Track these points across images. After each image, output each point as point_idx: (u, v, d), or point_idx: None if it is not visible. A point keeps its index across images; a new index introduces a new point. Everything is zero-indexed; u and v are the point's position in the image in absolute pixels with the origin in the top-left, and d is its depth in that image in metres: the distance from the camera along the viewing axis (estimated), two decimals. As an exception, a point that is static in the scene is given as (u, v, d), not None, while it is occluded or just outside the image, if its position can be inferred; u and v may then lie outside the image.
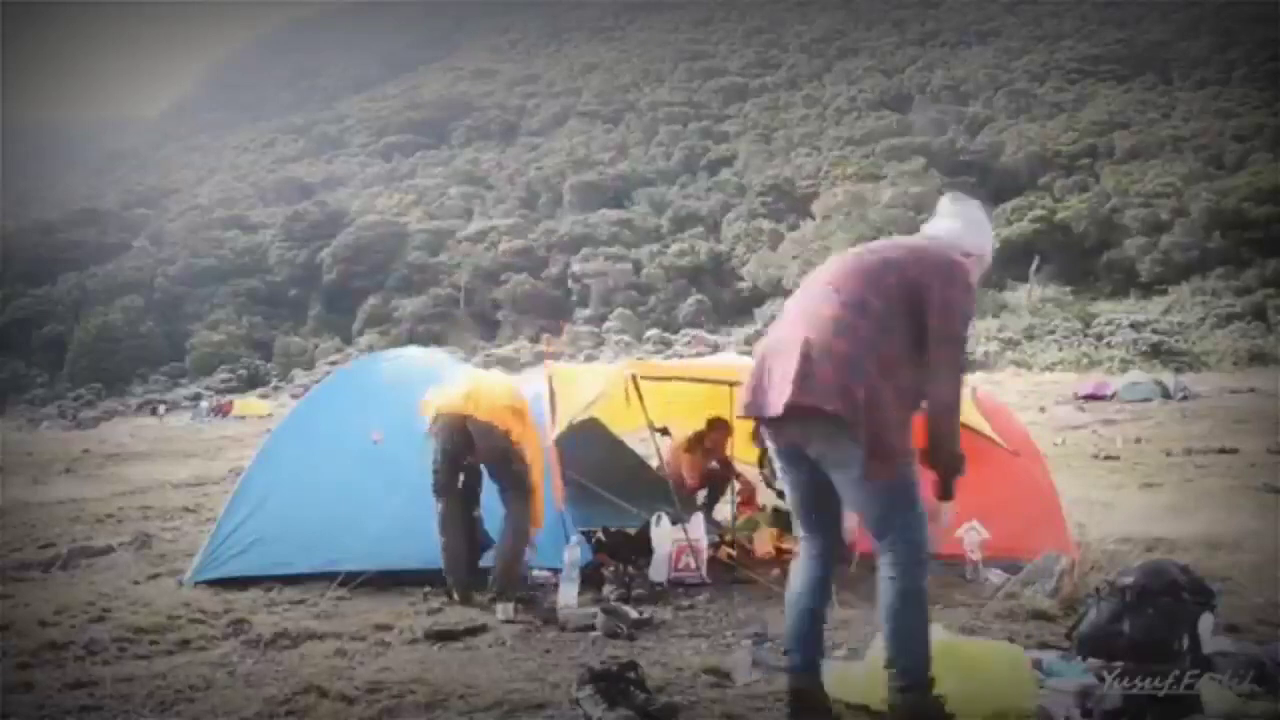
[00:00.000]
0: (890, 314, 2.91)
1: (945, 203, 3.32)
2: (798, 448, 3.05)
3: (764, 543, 6.16)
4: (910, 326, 2.91)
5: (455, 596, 4.72)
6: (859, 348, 2.88)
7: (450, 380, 5.09)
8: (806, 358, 2.92)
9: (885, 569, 2.92)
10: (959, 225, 3.22)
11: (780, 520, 6.33)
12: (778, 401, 2.96)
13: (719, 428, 7.01)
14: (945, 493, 2.96)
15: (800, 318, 3.05)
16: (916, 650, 2.88)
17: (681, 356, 42.59)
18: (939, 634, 3.35)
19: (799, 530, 3.23)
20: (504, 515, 4.86)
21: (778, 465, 3.22)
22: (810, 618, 3.09)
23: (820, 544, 3.14)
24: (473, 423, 4.86)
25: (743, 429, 6.75)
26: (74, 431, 37.90)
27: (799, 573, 3.15)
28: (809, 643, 3.08)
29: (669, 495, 6.03)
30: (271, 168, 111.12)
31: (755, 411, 3.09)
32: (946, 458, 2.90)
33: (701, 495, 7.23)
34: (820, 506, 3.10)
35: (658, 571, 5.24)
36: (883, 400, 2.84)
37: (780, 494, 6.69)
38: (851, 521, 3.27)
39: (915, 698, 2.87)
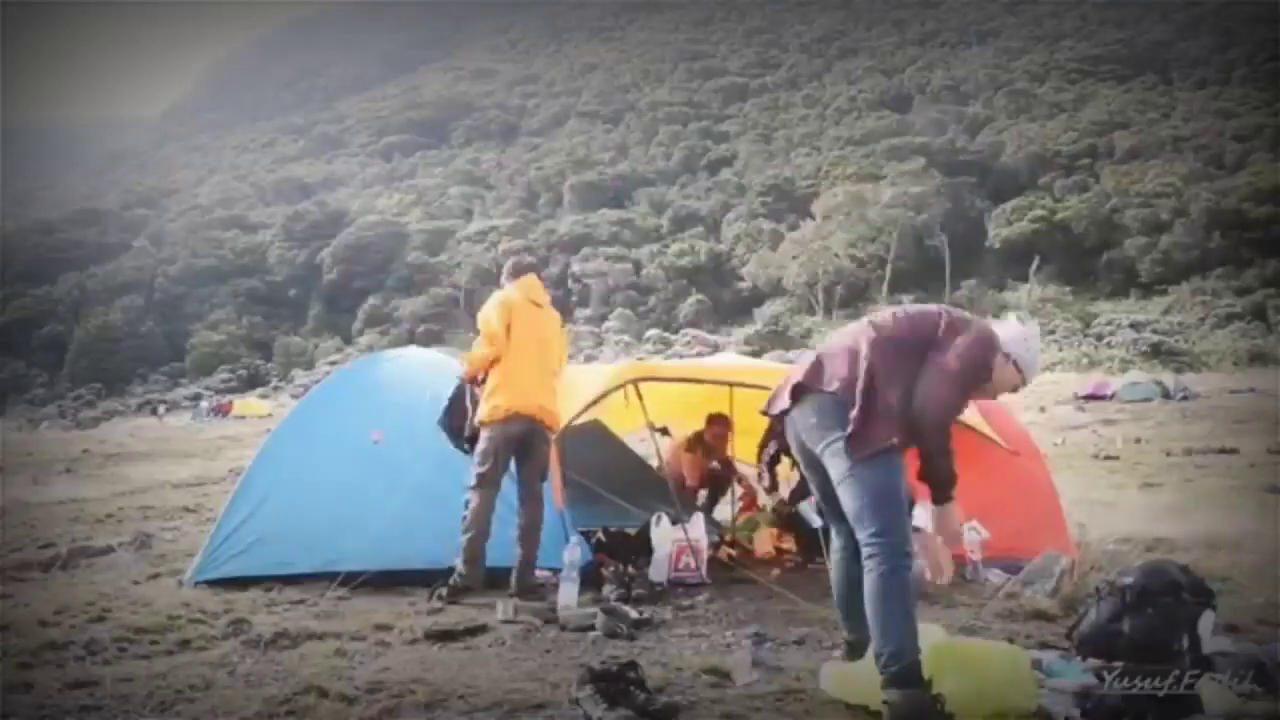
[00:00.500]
0: (915, 345, 3.16)
1: (1016, 319, 3.50)
2: (802, 443, 3.29)
3: (764, 543, 6.15)
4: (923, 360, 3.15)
5: (462, 583, 4.74)
6: (875, 356, 3.13)
7: (520, 377, 5.01)
8: (820, 357, 3.29)
9: (868, 559, 3.05)
10: (1015, 330, 3.34)
11: (780, 520, 6.32)
12: (785, 396, 3.30)
13: (718, 423, 7.01)
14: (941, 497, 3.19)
15: (829, 342, 3.39)
16: (900, 638, 2.96)
17: (681, 356, 42.63)
18: (939, 634, 3.35)
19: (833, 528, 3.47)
20: (525, 514, 4.91)
21: (805, 471, 3.47)
22: (853, 601, 3.26)
23: (847, 536, 3.34)
24: (542, 429, 5.02)
25: (742, 427, 6.76)
26: (74, 431, 37.93)
27: (835, 568, 3.48)
28: (862, 620, 3.20)
29: (669, 495, 6.03)
30: (271, 168, 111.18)
31: (768, 409, 3.41)
32: (938, 474, 3.13)
33: (702, 495, 7.23)
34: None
35: (658, 571, 5.24)
36: (878, 390, 3.08)
37: (774, 495, 6.71)
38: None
39: (906, 692, 2.91)
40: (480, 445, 4.94)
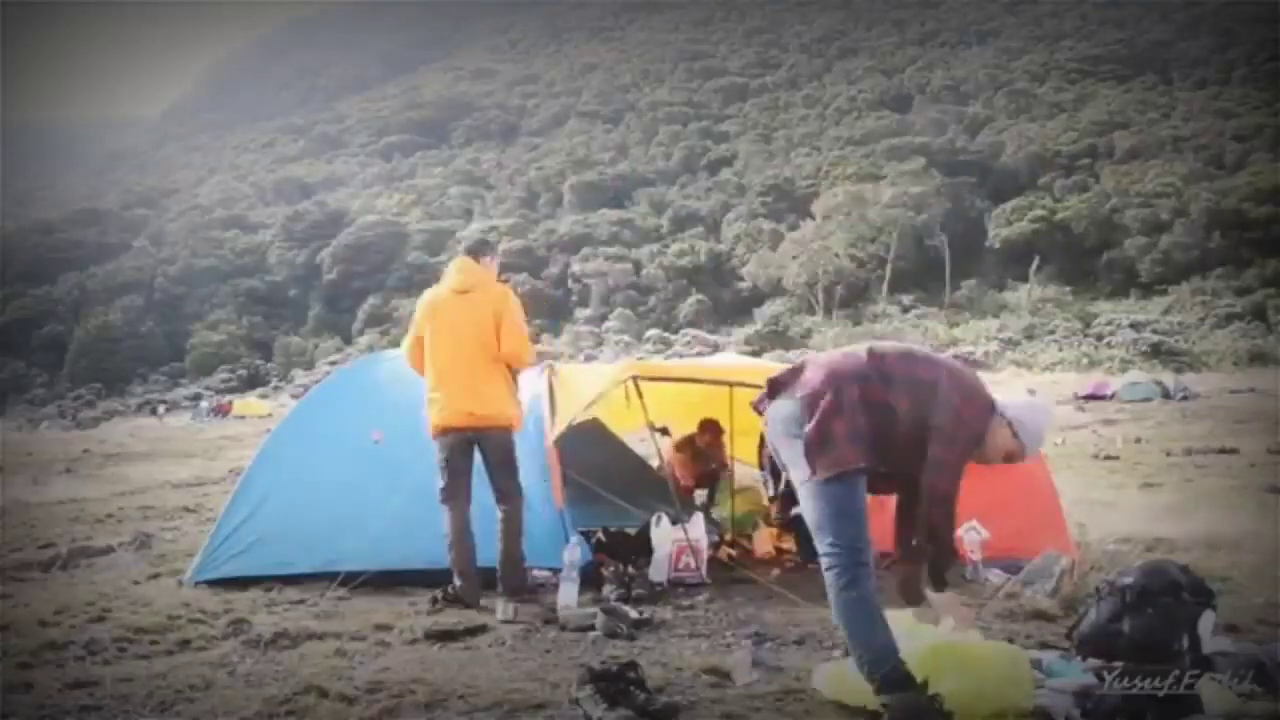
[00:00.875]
0: (907, 389, 3.09)
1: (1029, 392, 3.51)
2: (772, 441, 3.29)
3: (764, 543, 6.15)
4: (914, 414, 3.07)
5: (458, 594, 4.71)
6: (855, 380, 3.10)
7: (442, 387, 4.81)
8: (806, 362, 3.31)
9: (828, 570, 3.04)
10: (1024, 400, 3.39)
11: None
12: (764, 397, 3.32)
13: (709, 429, 7.00)
14: (938, 583, 3.22)
15: (825, 352, 3.49)
16: (874, 644, 2.96)
17: (681, 356, 42.62)
18: (938, 634, 3.35)
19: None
20: (502, 512, 4.80)
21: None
22: None
23: None
24: (487, 432, 4.80)
25: (741, 428, 6.75)
26: (74, 431, 37.92)
27: None
28: None
29: (669, 495, 6.03)
30: (271, 168, 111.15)
31: (757, 404, 3.40)
32: (941, 551, 3.15)
33: (701, 495, 7.22)
34: None
35: (658, 571, 5.24)
36: (845, 413, 3.04)
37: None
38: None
39: (900, 695, 2.90)
40: (435, 459, 4.86)
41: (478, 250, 5.10)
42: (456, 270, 4.93)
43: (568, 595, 4.58)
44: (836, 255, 60.36)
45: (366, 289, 74.04)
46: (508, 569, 4.74)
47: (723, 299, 65.77)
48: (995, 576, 5.05)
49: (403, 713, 3.17)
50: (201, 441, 23.10)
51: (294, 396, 43.01)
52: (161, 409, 51.25)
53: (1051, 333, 47.40)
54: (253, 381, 64.55)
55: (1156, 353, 41.05)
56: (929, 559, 3.17)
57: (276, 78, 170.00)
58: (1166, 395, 25.32)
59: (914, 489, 3.11)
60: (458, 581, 4.74)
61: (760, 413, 3.40)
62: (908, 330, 52.63)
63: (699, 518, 5.67)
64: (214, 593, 4.89)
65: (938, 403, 3.05)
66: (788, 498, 5.79)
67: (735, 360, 10.14)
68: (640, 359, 39.11)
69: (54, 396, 66.81)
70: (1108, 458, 12.57)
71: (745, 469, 7.49)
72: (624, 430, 7.40)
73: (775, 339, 52.64)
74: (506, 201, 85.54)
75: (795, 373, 3.27)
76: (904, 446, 3.06)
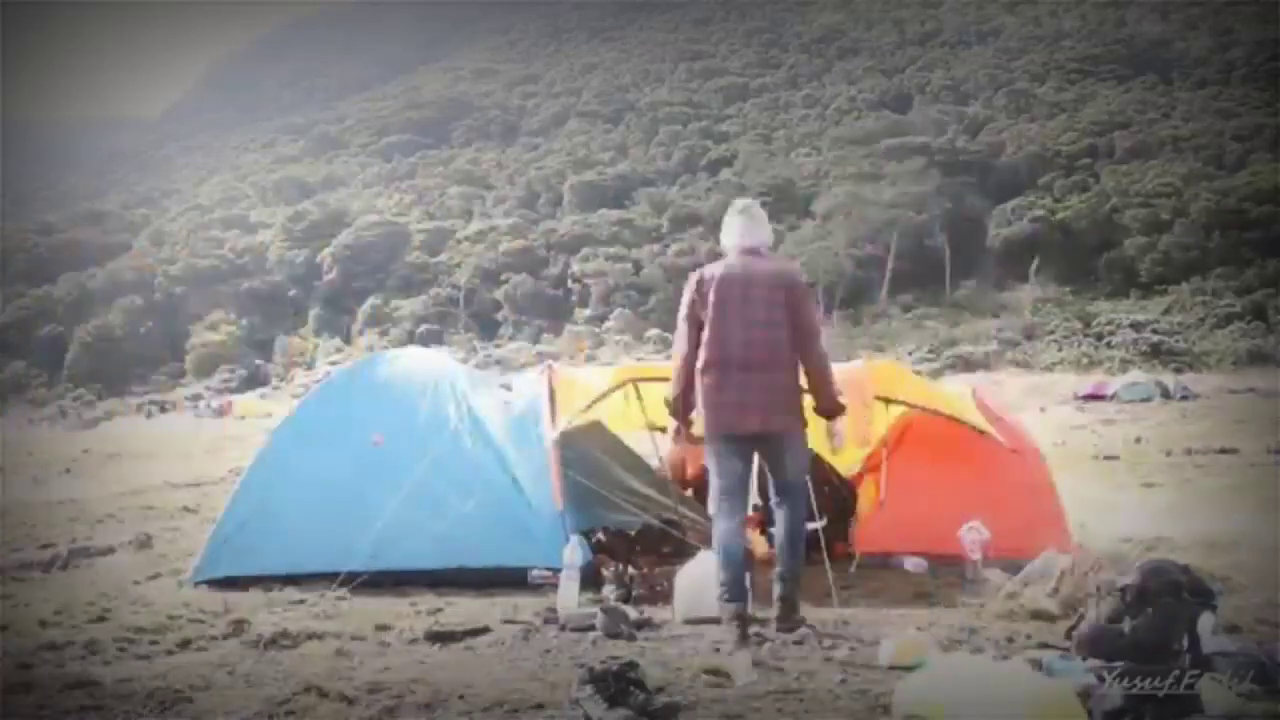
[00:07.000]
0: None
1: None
2: None
3: (763, 543, 6.14)
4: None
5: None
6: None
7: None
8: None
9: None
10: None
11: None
12: None
13: None
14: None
15: None
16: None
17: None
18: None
19: None
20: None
21: None
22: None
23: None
24: None
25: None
26: (74, 431, 37.90)
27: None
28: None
29: (669, 495, 6.03)
30: (271, 168, 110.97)
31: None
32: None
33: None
34: None
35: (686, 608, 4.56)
36: None
37: None
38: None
39: None
40: None
41: None
42: None
43: (568, 595, 4.58)
44: (836, 255, 60.32)
45: (366, 289, 73.98)
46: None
47: (723, 299, 65.67)
48: (995, 576, 5.04)
49: (403, 713, 3.17)
50: (201, 441, 23.09)
51: (294, 396, 43.01)
52: (169, 407, 51.48)
53: (1051, 333, 47.35)
54: (253, 381, 64.52)
55: (1156, 353, 41.01)
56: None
57: (276, 78, 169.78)
58: (1166, 395, 25.33)
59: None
60: None
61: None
62: (908, 330, 52.65)
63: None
64: (214, 593, 4.89)
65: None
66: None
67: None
68: (640, 359, 39.13)
69: (54, 396, 66.76)
70: (1108, 458, 12.55)
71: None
72: (624, 430, 7.39)
73: (775, 339, 52.55)
74: (506, 201, 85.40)
75: None
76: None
